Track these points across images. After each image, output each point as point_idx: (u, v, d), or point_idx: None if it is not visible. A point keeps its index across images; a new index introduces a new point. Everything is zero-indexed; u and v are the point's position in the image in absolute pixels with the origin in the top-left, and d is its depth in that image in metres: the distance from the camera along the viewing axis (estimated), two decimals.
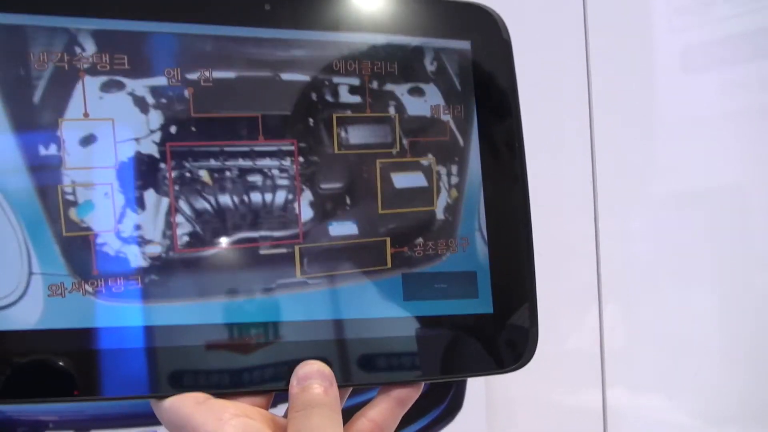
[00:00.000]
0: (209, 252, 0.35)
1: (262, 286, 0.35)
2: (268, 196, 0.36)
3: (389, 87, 0.38)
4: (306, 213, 0.36)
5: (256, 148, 0.36)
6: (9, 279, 0.32)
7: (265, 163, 0.36)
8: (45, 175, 0.32)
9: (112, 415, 0.56)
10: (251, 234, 0.35)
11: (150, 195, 0.34)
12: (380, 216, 0.38)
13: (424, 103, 0.39)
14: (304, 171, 0.36)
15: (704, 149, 0.87)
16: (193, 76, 0.35)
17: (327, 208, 0.37)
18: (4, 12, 0.32)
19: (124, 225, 0.33)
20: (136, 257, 0.34)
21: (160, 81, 0.34)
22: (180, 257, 0.34)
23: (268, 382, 0.35)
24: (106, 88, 0.33)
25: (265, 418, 0.34)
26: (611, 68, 0.83)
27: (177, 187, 0.34)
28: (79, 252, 0.33)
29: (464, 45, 0.39)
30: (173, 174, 0.34)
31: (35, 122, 0.32)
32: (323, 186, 0.37)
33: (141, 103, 0.34)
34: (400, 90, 0.38)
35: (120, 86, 0.33)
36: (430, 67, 0.39)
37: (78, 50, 0.33)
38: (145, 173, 0.34)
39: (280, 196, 0.36)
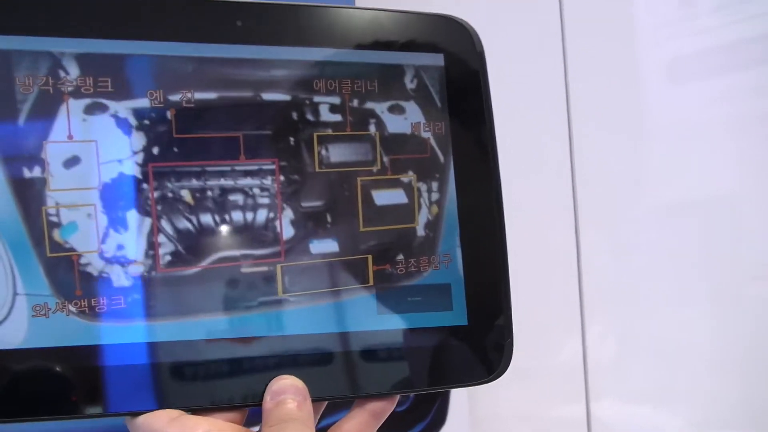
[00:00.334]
0: (191, 271, 0.35)
1: (244, 304, 0.36)
2: (250, 215, 0.36)
3: (369, 105, 0.39)
4: (287, 231, 0.37)
5: (238, 168, 0.36)
6: None
7: (246, 182, 0.36)
8: (29, 196, 0.33)
9: None
10: (233, 253, 0.36)
11: (133, 215, 0.34)
12: (361, 233, 0.38)
13: (404, 120, 0.39)
14: (285, 190, 0.37)
15: (692, 160, 0.88)
16: (175, 97, 0.35)
17: (308, 227, 0.37)
18: None
19: (107, 245, 0.34)
20: (119, 277, 0.34)
21: (143, 103, 0.35)
22: (162, 276, 0.35)
23: (242, 398, 0.35)
24: (89, 110, 0.34)
25: None
26: (594, 79, 0.84)
27: (159, 207, 0.35)
28: (62, 273, 0.33)
29: (437, 59, 0.40)
30: (155, 194, 0.35)
31: (20, 145, 0.33)
32: (304, 204, 0.37)
33: (124, 125, 0.34)
34: (381, 108, 0.39)
35: (103, 108, 0.34)
36: (410, 84, 0.40)
37: (62, 74, 0.33)
38: (127, 194, 0.34)
39: (262, 215, 0.37)
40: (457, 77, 0.40)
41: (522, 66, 0.78)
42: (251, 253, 0.36)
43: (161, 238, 0.35)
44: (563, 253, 0.83)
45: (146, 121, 0.35)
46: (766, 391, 0.88)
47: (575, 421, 0.83)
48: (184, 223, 0.35)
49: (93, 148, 0.34)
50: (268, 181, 0.37)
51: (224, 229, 0.36)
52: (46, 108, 0.33)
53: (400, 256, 0.39)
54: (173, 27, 0.35)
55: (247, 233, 0.36)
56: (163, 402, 0.34)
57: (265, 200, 0.37)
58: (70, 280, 0.33)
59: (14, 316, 0.32)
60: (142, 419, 0.33)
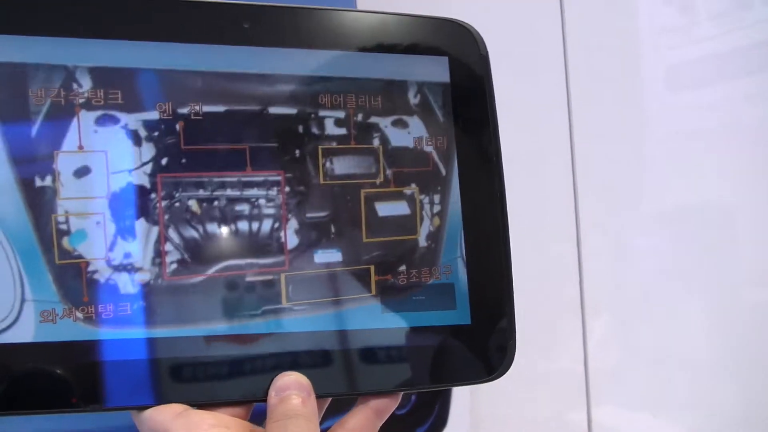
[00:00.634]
0: (197, 279, 0.36)
1: (248, 312, 0.37)
2: (255, 225, 0.37)
3: (374, 119, 0.39)
4: (292, 241, 0.38)
5: (244, 179, 0.37)
6: (2, 305, 0.33)
7: (252, 193, 0.37)
8: (40, 204, 0.34)
9: None
10: (238, 261, 0.37)
11: (141, 224, 0.35)
12: (364, 244, 0.39)
13: (407, 134, 0.40)
14: (290, 200, 0.38)
15: (692, 166, 0.88)
16: (183, 110, 0.36)
17: (312, 237, 0.38)
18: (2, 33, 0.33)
19: (115, 253, 0.35)
20: (126, 285, 0.35)
21: (153, 115, 0.35)
22: (169, 284, 0.35)
23: (247, 393, 0.36)
24: (100, 122, 0.35)
25: (243, 429, 0.35)
26: (595, 87, 0.84)
27: (167, 217, 0.36)
28: (70, 279, 0.34)
29: (442, 62, 0.40)
30: (163, 204, 0.35)
31: (32, 154, 0.33)
32: (309, 215, 0.38)
33: (134, 136, 0.35)
34: (384, 122, 0.40)
35: (114, 120, 0.35)
36: (413, 100, 0.40)
37: (75, 86, 0.34)
38: (136, 203, 0.35)
39: (267, 225, 0.37)
40: (462, 81, 0.41)
41: (523, 73, 0.78)
42: (256, 262, 0.37)
43: (168, 247, 0.36)
44: (564, 258, 0.84)
45: (155, 133, 0.35)
46: (765, 397, 0.88)
47: (577, 426, 0.83)
48: (190, 233, 0.36)
49: (103, 159, 0.35)
50: (273, 192, 0.37)
51: (230, 238, 0.37)
52: (58, 119, 0.34)
53: (402, 267, 0.40)
54: (183, 29, 0.36)
55: (252, 243, 0.37)
56: (168, 397, 0.35)
57: (271, 210, 0.37)
58: (78, 286, 0.34)
59: (22, 322, 0.33)
60: (148, 413, 0.34)
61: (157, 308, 0.35)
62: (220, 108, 0.37)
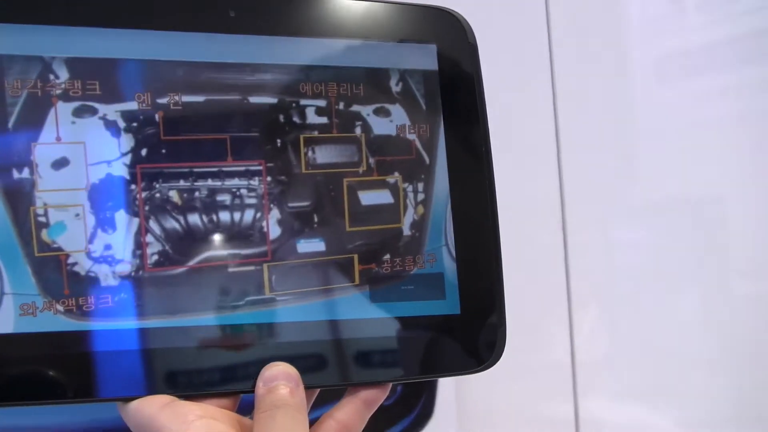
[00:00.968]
0: (179, 270, 0.36)
1: (232, 303, 0.36)
2: (237, 216, 0.37)
3: (355, 108, 0.39)
4: (274, 231, 0.38)
5: (225, 169, 0.37)
6: None
7: (233, 183, 0.37)
8: (18, 197, 0.33)
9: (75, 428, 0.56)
10: (220, 252, 0.36)
11: (121, 216, 0.35)
12: (348, 233, 0.39)
13: (389, 123, 0.40)
14: (272, 190, 0.37)
15: (680, 157, 0.88)
16: (162, 100, 0.36)
17: (295, 227, 0.38)
18: None
19: (95, 245, 0.34)
20: (106, 277, 0.35)
21: (131, 105, 0.35)
22: (150, 276, 0.35)
23: (235, 384, 0.36)
24: (78, 113, 0.34)
25: (230, 420, 0.35)
26: (581, 77, 0.84)
27: (147, 208, 0.35)
28: (50, 272, 0.34)
29: (430, 50, 0.40)
30: (143, 195, 0.35)
31: (9, 147, 0.33)
32: (291, 205, 0.38)
33: (112, 127, 0.35)
34: (366, 110, 0.40)
35: (92, 111, 0.34)
36: (395, 88, 0.40)
37: (51, 77, 0.34)
38: (116, 195, 0.35)
39: (249, 215, 0.37)
40: (451, 69, 0.41)
41: (508, 63, 0.78)
42: (238, 253, 0.37)
43: (149, 238, 0.35)
44: (551, 249, 0.84)
45: (134, 124, 0.35)
46: (756, 389, 0.89)
47: (563, 418, 0.83)
48: (171, 223, 0.36)
49: (81, 150, 0.34)
50: (255, 182, 0.37)
51: (211, 229, 0.36)
52: (35, 111, 0.34)
53: (387, 256, 0.40)
54: (167, 16, 0.36)
55: (234, 233, 0.37)
56: (154, 388, 0.35)
57: (252, 201, 0.37)
58: (58, 279, 0.34)
59: (1, 315, 0.33)
60: (134, 405, 0.34)
61: (139, 300, 0.35)
62: (199, 98, 0.36)
